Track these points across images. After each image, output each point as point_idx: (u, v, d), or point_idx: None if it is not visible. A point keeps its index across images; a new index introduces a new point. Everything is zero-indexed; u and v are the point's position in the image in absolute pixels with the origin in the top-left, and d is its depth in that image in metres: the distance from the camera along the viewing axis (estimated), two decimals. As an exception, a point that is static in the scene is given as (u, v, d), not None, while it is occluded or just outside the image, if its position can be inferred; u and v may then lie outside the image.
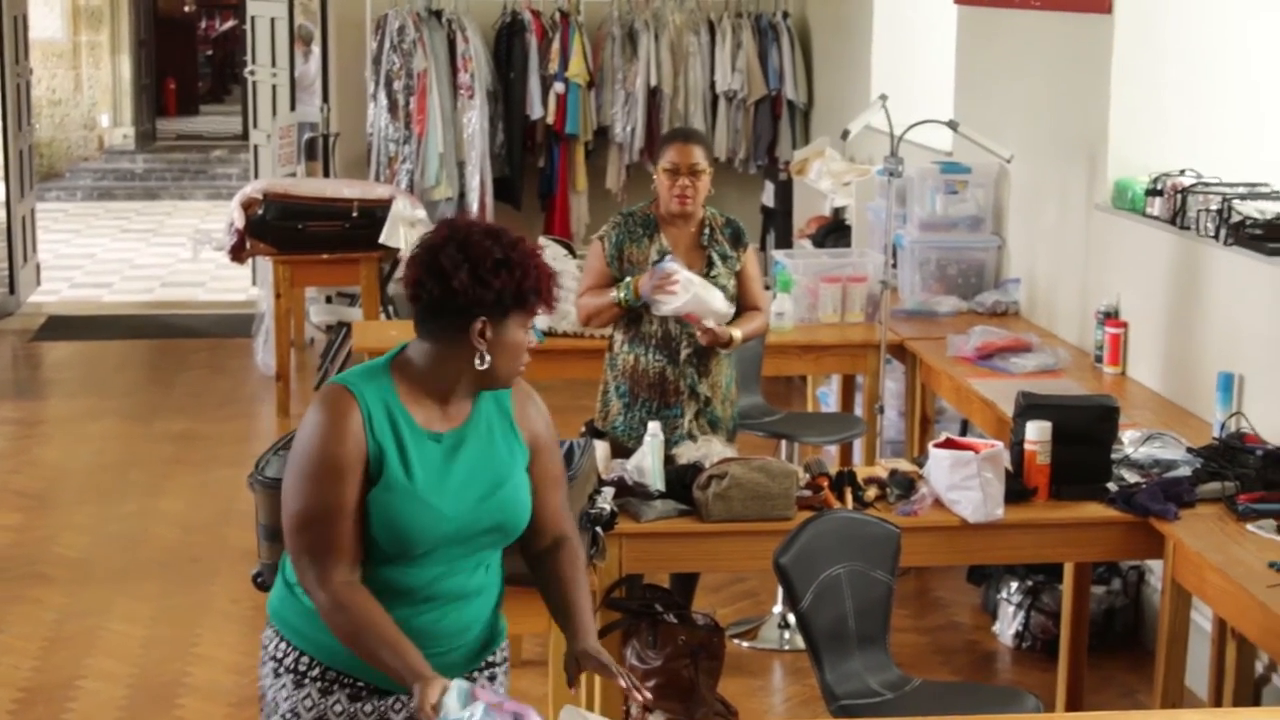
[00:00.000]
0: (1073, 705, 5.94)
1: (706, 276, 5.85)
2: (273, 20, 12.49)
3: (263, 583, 4.68)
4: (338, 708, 3.57)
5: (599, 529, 4.67)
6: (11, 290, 13.19)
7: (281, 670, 3.60)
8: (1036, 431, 5.23)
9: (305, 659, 3.58)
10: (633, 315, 5.92)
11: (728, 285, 5.89)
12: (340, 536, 3.43)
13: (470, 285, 3.43)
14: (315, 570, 3.43)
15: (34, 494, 8.58)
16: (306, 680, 3.57)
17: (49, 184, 20.00)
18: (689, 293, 5.70)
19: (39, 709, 6.11)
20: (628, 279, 5.85)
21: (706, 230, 6.02)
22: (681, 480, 5.17)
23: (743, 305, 5.96)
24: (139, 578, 7.43)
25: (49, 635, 6.76)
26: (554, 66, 11.88)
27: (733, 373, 6.09)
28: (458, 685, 3.39)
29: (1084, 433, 5.25)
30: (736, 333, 5.87)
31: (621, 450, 5.71)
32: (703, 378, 5.92)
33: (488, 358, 3.52)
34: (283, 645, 3.61)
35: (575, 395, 8.32)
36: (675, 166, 5.91)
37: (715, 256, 5.96)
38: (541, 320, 7.34)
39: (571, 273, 7.40)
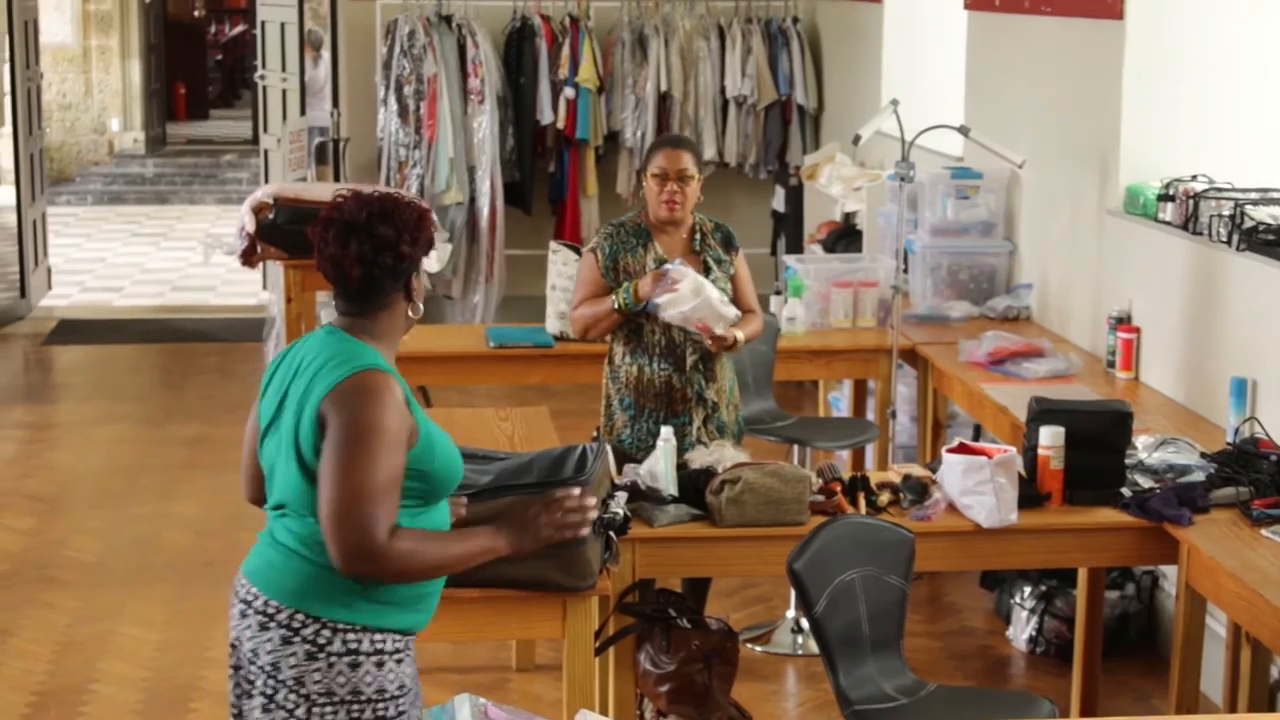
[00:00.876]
0: (1087, 710, 5.95)
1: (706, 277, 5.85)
2: (283, 25, 12.50)
3: None
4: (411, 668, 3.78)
5: (613, 534, 4.67)
6: (23, 294, 13.21)
7: (361, 658, 3.69)
8: (1050, 437, 5.23)
9: (379, 635, 3.71)
10: (633, 326, 5.91)
11: (726, 289, 5.89)
12: (397, 500, 3.67)
13: (411, 247, 3.79)
14: (386, 533, 3.60)
15: (46, 498, 8.59)
16: (386, 653, 3.72)
17: (59, 188, 20.03)
18: (699, 298, 5.70)
19: (52, 713, 6.13)
20: (626, 283, 5.85)
21: (697, 235, 6.02)
22: (694, 485, 5.17)
23: (739, 308, 5.94)
24: (152, 581, 7.44)
25: (61, 639, 6.77)
26: (564, 71, 11.90)
27: (734, 376, 6.10)
28: (470, 701, 3.40)
29: (1097, 438, 5.25)
30: (741, 335, 5.87)
31: (629, 462, 5.63)
32: (709, 383, 5.93)
33: (420, 305, 3.90)
34: (351, 635, 3.69)
35: (586, 400, 8.32)
36: (664, 172, 5.89)
37: (710, 261, 5.96)
38: (553, 324, 7.37)
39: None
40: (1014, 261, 8.31)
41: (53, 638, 6.79)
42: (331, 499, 3.60)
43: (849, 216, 9.90)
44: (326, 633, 3.68)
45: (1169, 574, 6.53)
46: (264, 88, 13.05)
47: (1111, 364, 6.97)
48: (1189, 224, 6.58)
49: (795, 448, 7.22)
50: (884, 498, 5.22)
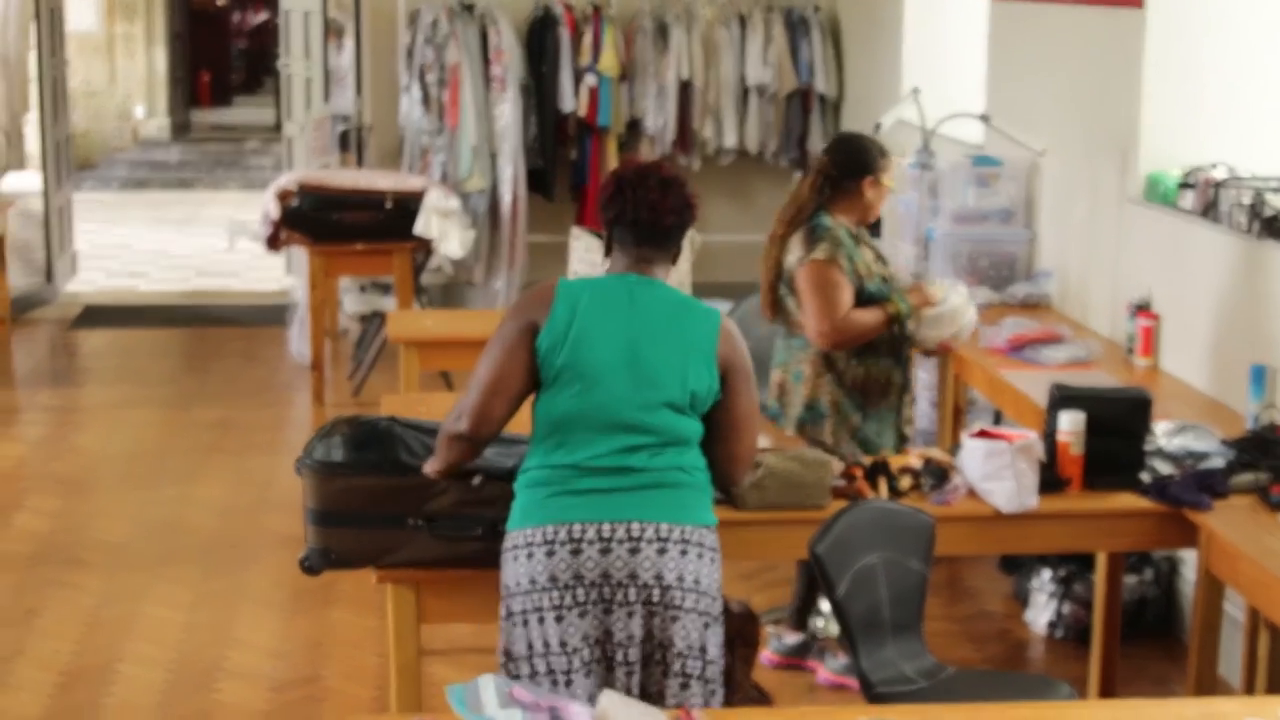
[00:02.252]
0: (1106, 693, 5.98)
1: (885, 267, 6.14)
2: (306, 13, 12.54)
3: (310, 567, 4.78)
4: None
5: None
6: (49, 279, 13.28)
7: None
8: (1070, 422, 5.25)
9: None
10: None
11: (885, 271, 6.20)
12: None
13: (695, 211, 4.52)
14: None
15: (72, 480, 8.65)
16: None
17: (85, 174, 20.10)
18: (966, 316, 6.03)
19: (78, 693, 6.18)
20: (898, 296, 6.01)
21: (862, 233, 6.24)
22: (717, 469, 5.21)
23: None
24: (177, 563, 7.50)
25: (88, 620, 6.83)
26: (586, 59, 11.93)
27: None
28: (495, 683, 3.44)
29: (1117, 424, 5.27)
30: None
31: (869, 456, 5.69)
32: (912, 375, 6.25)
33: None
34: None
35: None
36: (890, 183, 6.14)
37: (878, 251, 6.23)
38: None
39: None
40: (1034, 249, 8.33)
41: (79, 618, 6.85)
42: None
43: (870, 204, 9.90)
44: None
45: (1188, 559, 6.56)
46: (287, 75, 13.10)
47: (1131, 351, 7.00)
48: (1209, 212, 6.60)
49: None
50: (905, 482, 5.25)
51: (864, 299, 5.98)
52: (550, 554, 4.28)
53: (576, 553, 4.28)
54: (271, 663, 6.45)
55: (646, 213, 4.40)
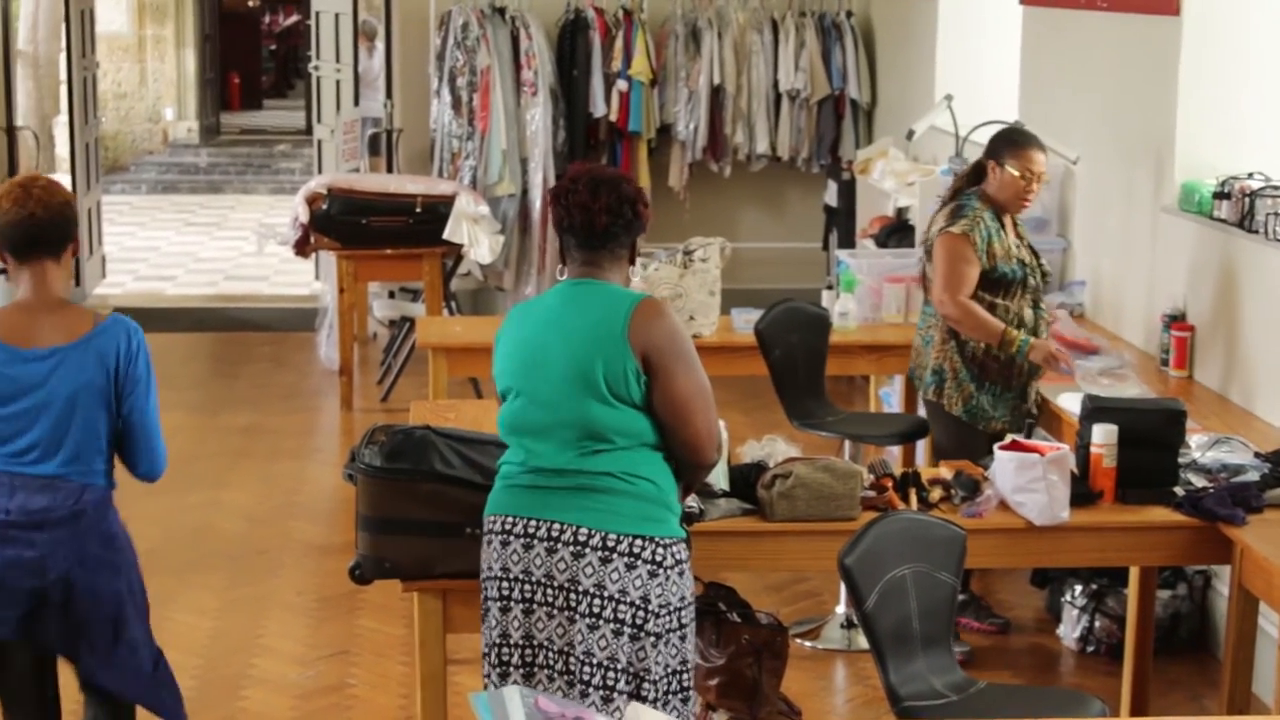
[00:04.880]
0: (1138, 710, 5.92)
1: (1038, 263, 6.46)
2: (337, 15, 12.53)
3: (361, 575, 4.79)
4: None
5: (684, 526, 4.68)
6: (77, 282, 13.28)
7: (686, 566, 4.34)
8: (1102, 434, 5.21)
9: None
10: (987, 305, 6.33)
11: (1049, 271, 6.64)
12: None
13: (644, 210, 4.45)
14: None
15: (99, 485, 8.63)
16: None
17: (114, 177, 20.14)
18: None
19: (105, 699, 6.16)
20: (1025, 338, 6.29)
21: (1016, 223, 6.52)
22: (746, 479, 5.18)
23: None
24: (205, 569, 7.48)
25: (115, 626, 6.80)
26: (617, 64, 11.91)
27: None
28: (520, 692, 3.40)
29: (1151, 436, 5.22)
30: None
31: (966, 433, 6.36)
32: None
33: (642, 262, 4.55)
34: (677, 546, 4.34)
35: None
36: (1036, 173, 6.36)
37: (1033, 246, 6.54)
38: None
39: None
40: (1068, 258, 8.28)
41: (106, 624, 6.82)
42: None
43: (902, 211, 9.87)
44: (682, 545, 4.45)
45: (1221, 574, 6.50)
46: (318, 78, 13.09)
47: (1165, 362, 6.94)
48: (1244, 222, 6.54)
49: (847, 443, 7.21)
50: (935, 494, 5.22)
51: (995, 279, 6.30)
52: (488, 543, 4.40)
53: (506, 544, 4.34)
54: (298, 670, 6.43)
55: (579, 214, 4.38)
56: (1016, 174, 6.32)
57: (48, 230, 4.49)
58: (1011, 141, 6.44)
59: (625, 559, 4.25)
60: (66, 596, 4.47)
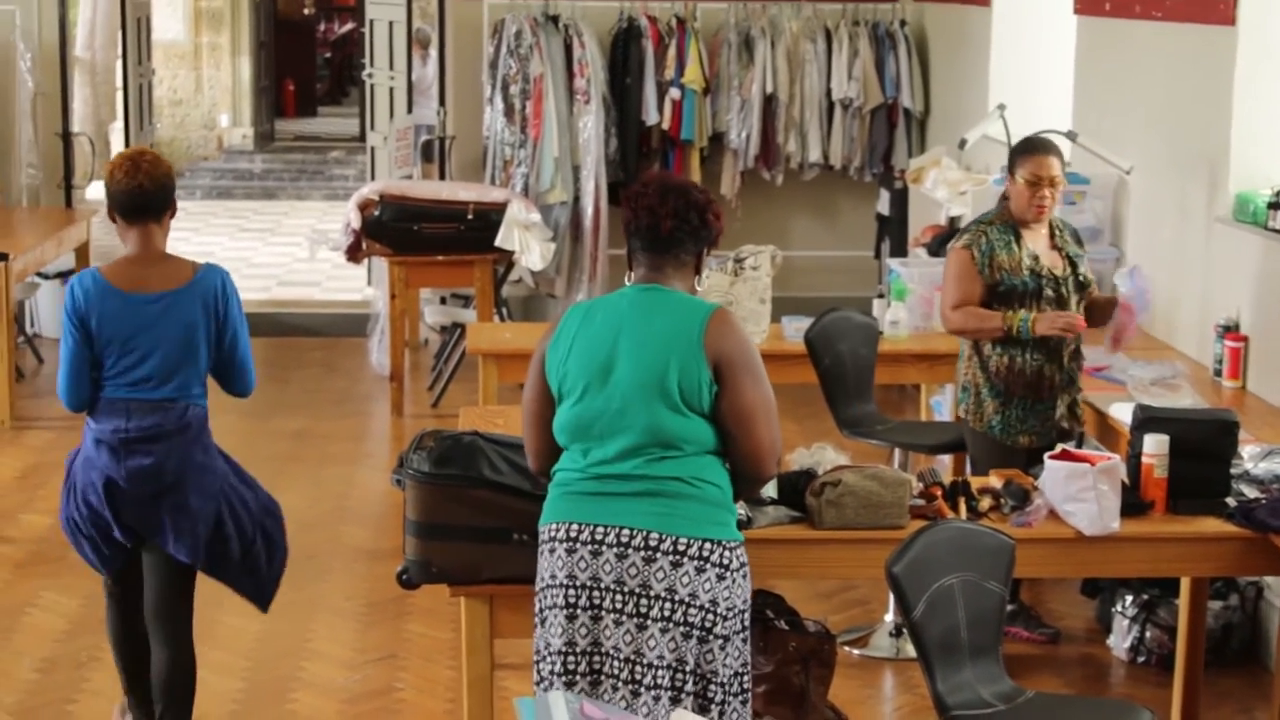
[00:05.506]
0: (1187, 721, 5.89)
1: (1074, 273, 6.28)
2: (391, 23, 12.58)
3: (408, 580, 4.82)
4: None
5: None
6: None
7: (748, 569, 4.38)
8: (1154, 445, 5.18)
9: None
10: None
11: (1089, 276, 6.35)
12: None
13: (714, 220, 4.51)
14: None
15: (151, 489, 8.67)
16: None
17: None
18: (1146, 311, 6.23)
19: (155, 700, 6.18)
20: (1025, 315, 6.11)
21: (1055, 232, 6.34)
22: (794, 487, 5.17)
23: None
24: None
25: (165, 628, 6.83)
26: (670, 72, 11.91)
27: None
28: (565, 698, 3.40)
29: (1203, 447, 5.19)
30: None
31: (998, 449, 6.22)
32: (1080, 371, 6.37)
33: (699, 283, 4.52)
34: (740, 550, 4.35)
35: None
36: (1036, 178, 6.18)
37: (1070, 255, 6.32)
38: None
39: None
40: (1120, 268, 8.22)
41: (156, 626, 6.85)
42: None
43: (954, 220, 9.83)
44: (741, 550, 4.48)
45: (1274, 585, 6.46)
46: (372, 85, 13.13)
47: (1218, 372, 6.91)
48: (1300, 232, 6.51)
49: (896, 451, 7.19)
50: (985, 503, 5.20)
51: (1004, 292, 6.17)
52: (550, 551, 4.36)
53: (571, 551, 4.31)
54: (346, 674, 6.45)
55: (646, 217, 4.42)
56: (1025, 181, 6.20)
57: (152, 198, 5.33)
58: (1020, 150, 6.33)
59: (695, 562, 4.25)
60: (177, 495, 5.33)
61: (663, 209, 4.39)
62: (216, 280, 5.36)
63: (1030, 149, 6.26)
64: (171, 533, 5.35)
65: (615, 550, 4.27)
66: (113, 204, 5.35)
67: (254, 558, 5.57)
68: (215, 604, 7.09)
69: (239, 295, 5.46)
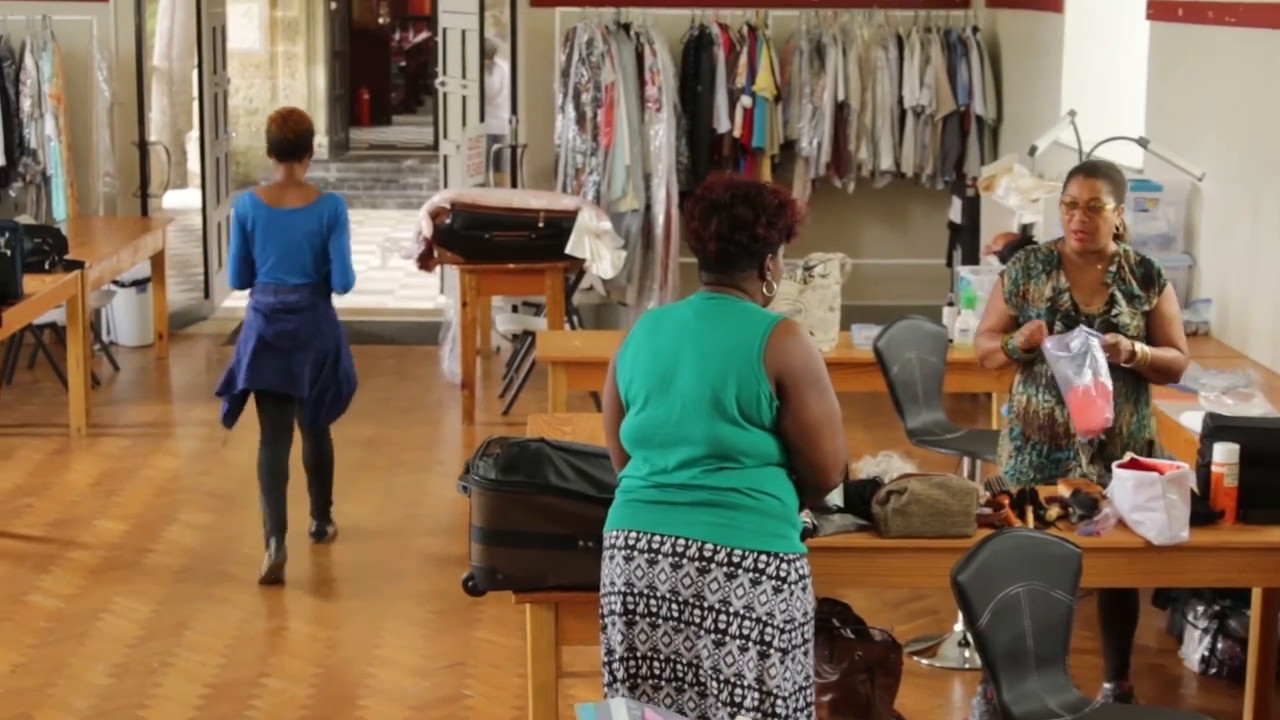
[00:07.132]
0: (1258, 733, 5.84)
1: (1106, 314, 5.66)
2: (463, 32, 12.62)
3: (474, 587, 4.85)
4: None
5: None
6: (206, 295, 13.47)
7: (809, 581, 4.33)
8: (1224, 454, 5.15)
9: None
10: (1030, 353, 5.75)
11: (1129, 324, 5.65)
12: None
13: (767, 230, 4.31)
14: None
15: (224, 495, 8.75)
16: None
17: (244, 191, 20.34)
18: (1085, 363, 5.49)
19: (224, 705, 6.24)
20: (1010, 338, 5.72)
21: (1114, 267, 5.73)
22: (860, 495, 5.16)
23: (1159, 345, 5.72)
24: (324, 580, 7.55)
25: (235, 634, 6.89)
26: (741, 80, 11.91)
27: (1140, 414, 5.79)
28: (627, 704, 3.41)
29: (1274, 456, 5.15)
30: (1143, 348, 5.63)
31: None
32: (1140, 421, 5.79)
33: (775, 285, 4.42)
34: (801, 562, 4.32)
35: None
36: (1074, 200, 5.65)
37: (1119, 294, 5.69)
38: None
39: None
40: (1193, 275, 8.18)
41: (227, 631, 6.91)
42: None
43: (1026, 228, 9.79)
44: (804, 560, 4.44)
45: (1347, 596, 6.39)
46: (444, 94, 13.19)
47: (1291, 381, 6.85)
48: (1374, 239, 6.45)
49: (965, 460, 7.16)
50: (1052, 512, 5.17)
51: (1022, 324, 5.76)
52: (610, 558, 4.38)
53: (629, 559, 4.32)
54: (415, 680, 6.47)
55: (692, 240, 4.41)
56: (1064, 203, 5.70)
57: (295, 145, 7.51)
58: (1071, 172, 5.81)
59: (750, 574, 4.24)
60: (310, 352, 7.53)
61: (706, 232, 4.34)
62: (331, 202, 7.59)
63: (1075, 170, 5.78)
64: (310, 382, 7.57)
65: (670, 560, 4.28)
66: (269, 147, 7.54)
67: (337, 398, 7.77)
68: (286, 610, 7.16)
69: (346, 213, 7.66)
